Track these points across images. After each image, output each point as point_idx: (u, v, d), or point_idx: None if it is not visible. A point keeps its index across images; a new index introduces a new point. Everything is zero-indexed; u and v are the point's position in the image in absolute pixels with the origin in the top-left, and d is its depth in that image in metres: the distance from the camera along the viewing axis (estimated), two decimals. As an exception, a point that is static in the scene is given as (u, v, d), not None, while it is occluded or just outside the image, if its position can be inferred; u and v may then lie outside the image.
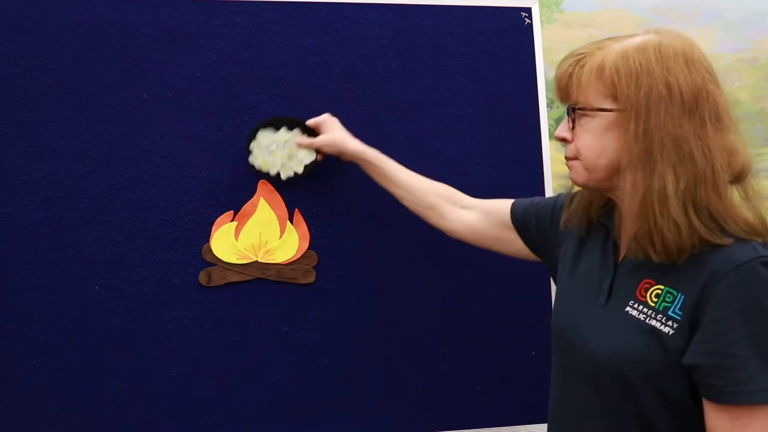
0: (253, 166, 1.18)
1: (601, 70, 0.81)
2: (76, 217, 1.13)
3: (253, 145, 1.18)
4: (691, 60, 0.79)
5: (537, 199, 1.08)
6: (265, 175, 1.19)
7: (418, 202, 1.14)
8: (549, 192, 1.30)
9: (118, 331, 1.14)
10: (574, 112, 0.84)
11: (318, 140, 1.17)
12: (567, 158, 0.88)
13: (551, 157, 1.31)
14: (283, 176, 1.19)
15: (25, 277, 1.11)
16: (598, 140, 0.82)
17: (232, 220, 1.18)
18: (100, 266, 1.14)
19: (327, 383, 1.20)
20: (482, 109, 1.28)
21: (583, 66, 0.83)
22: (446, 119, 1.27)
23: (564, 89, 0.86)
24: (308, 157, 1.19)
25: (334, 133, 1.16)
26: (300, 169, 1.19)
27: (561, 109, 1.43)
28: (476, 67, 1.28)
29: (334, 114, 1.22)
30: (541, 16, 1.32)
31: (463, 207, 1.13)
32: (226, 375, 1.16)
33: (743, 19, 1.51)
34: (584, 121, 0.84)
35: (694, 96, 0.78)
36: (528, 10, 1.30)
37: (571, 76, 0.84)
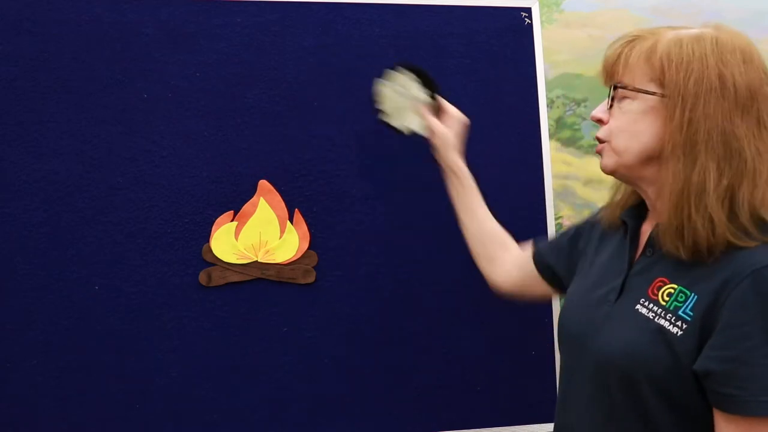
0: (378, 92, 1.15)
1: (651, 52, 0.79)
2: (76, 217, 1.13)
3: (389, 76, 1.15)
4: (749, 58, 0.77)
5: (558, 233, 1.08)
6: (376, 110, 1.15)
7: (481, 245, 1.12)
8: (549, 192, 1.30)
9: (118, 331, 1.14)
10: (615, 91, 0.83)
11: (435, 125, 1.12)
12: (598, 141, 0.86)
13: (551, 157, 1.31)
14: (383, 118, 1.15)
15: (25, 277, 1.11)
16: (634, 123, 0.80)
17: (232, 220, 1.18)
18: (100, 266, 1.14)
19: (327, 383, 1.20)
20: (482, 109, 1.28)
21: (633, 47, 0.81)
22: (446, 119, 1.26)
23: (610, 69, 0.83)
24: (418, 126, 1.15)
25: (450, 132, 1.12)
26: (401, 127, 1.15)
27: (561, 109, 1.43)
28: (476, 67, 1.28)
29: (334, 114, 1.22)
30: (541, 16, 1.32)
31: (513, 266, 1.10)
32: (226, 375, 1.16)
33: (743, 19, 1.51)
34: (624, 103, 0.82)
35: (750, 94, 0.75)
36: (528, 10, 1.30)
37: (620, 55, 0.82)
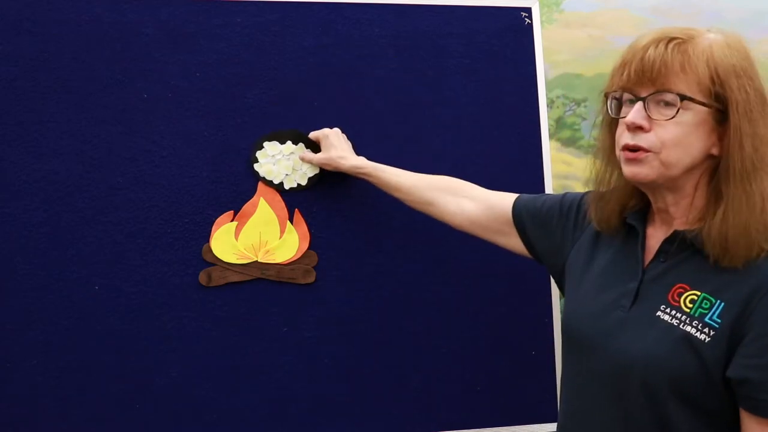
0: (257, 173, 1.19)
1: (708, 61, 0.75)
2: (76, 217, 1.13)
3: (259, 154, 1.19)
4: (757, 66, 0.78)
5: (542, 198, 1.04)
6: (269, 182, 1.19)
7: (417, 201, 1.14)
8: (549, 192, 1.29)
9: (118, 331, 1.14)
10: (681, 101, 0.76)
11: (316, 158, 1.19)
12: (635, 149, 0.79)
13: (551, 157, 1.31)
14: (287, 186, 1.20)
15: (25, 277, 1.11)
16: (687, 136, 0.76)
17: (232, 220, 1.18)
18: (100, 266, 1.14)
19: (327, 383, 1.20)
20: (482, 109, 1.28)
21: (683, 52, 0.75)
22: (446, 119, 1.26)
23: (657, 72, 0.76)
24: (312, 171, 1.21)
25: (330, 151, 1.17)
26: (304, 182, 1.21)
27: (561, 109, 1.43)
28: (476, 67, 1.28)
29: (334, 114, 1.22)
30: (541, 16, 1.32)
31: (465, 197, 1.11)
32: (226, 375, 1.16)
33: (743, 19, 1.51)
34: (679, 113, 0.76)
35: None
36: (528, 10, 1.30)
37: (672, 60, 0.75)
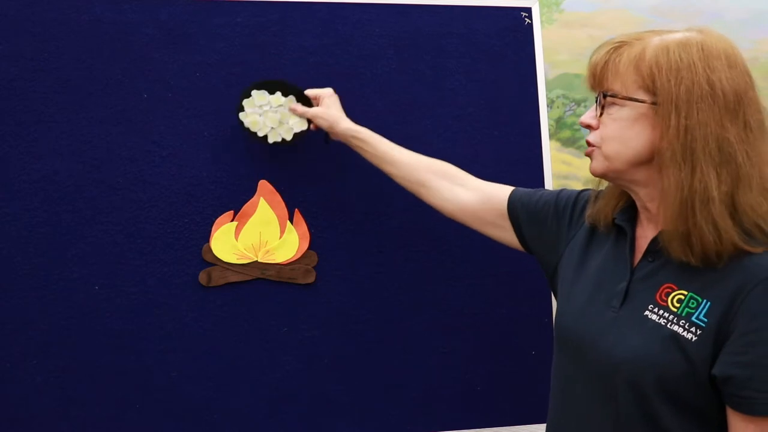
0: (242, 123, 1.16)
1: (639, 60, 0.79)
2: (76, 217, 1.13)
3: (246, 103, 1.16)
4: (734, 62, 0.78)
5: (538, 193, 1.04)
6: (253, 134, 1.16)
7: (410, 179, 1.11)
8: (549, 192, 1.29)
9: (118, 331, 1.14)
10: (605, 99, 0.83)
11: (312, 110, 1.15)
12: (588, 145, 0.87)
13: (551, 157, 1.31)
14: (270, 140, 1.17)
15: (25, 277, 1.11)
16: (624, 130, 0.81)
17: (232, 220, 1.18)
18: (100, 266, 1.14)
19: (327, 383, 1.20)
20: (482, 109, 1.28)
21: (621, 54, 0.81)
22: (446, 119, 1.27)
23: (598, 76, 0.84)
24: (299, 126, 1.17)
25: (331, 109, 1.15)
26: (289, 137, 1.17)
27: (561, 109, 1.43)
28: (476, 67, 1.28)
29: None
30: (541, 16, 1.32)
31: (461, 185, 1.09)
32: (226, 375, 1.16)
33: (743, 19, 1.51)
34: (613, 109, 0.82)
35: (737, 98, 0.76)
36: (528, 10, 1.30)
37: (606, 63, 0.82)
